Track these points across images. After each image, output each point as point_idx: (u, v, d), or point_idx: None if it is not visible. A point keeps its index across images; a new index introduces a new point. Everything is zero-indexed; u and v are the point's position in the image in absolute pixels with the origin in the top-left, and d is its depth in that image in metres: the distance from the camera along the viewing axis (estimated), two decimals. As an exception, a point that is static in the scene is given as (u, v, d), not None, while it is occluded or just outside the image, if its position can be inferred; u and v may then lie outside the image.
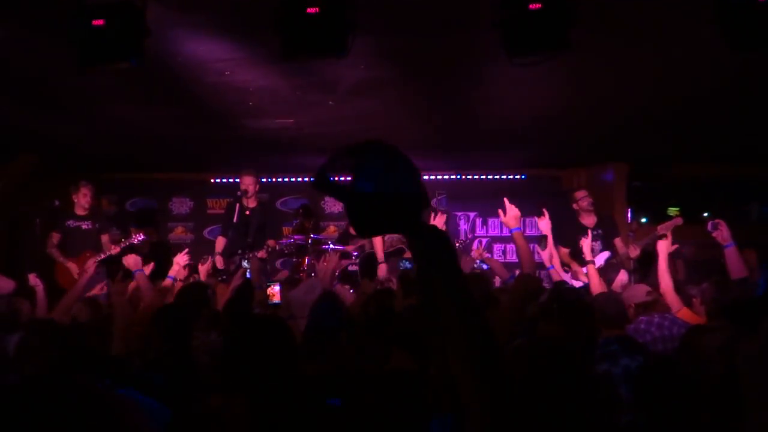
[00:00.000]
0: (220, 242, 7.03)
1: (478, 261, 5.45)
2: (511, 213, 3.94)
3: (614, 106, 5.66)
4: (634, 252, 6.36)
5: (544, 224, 4.87)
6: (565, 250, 6.79)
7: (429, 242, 1.12)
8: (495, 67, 4.27)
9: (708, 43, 3.53)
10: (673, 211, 8.06)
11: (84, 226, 6.82)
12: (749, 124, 6.19)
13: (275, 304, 3.45)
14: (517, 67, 3.34)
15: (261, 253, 6.58)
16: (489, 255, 7.01)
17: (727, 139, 6.92)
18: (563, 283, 5.31)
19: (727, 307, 3.27)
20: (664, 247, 4.78)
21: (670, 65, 4.52)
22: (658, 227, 6.26)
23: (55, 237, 6.82)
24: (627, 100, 5.47)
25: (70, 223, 6.81)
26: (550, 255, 5.84)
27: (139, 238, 6.68)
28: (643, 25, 3.81)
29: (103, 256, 6.47)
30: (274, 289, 3.49)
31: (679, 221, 6.12)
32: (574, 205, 6.80)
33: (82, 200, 6.79)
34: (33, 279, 4.99)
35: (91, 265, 4.94)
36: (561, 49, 3.20)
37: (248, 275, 5.68)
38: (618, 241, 6.61)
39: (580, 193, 6.77)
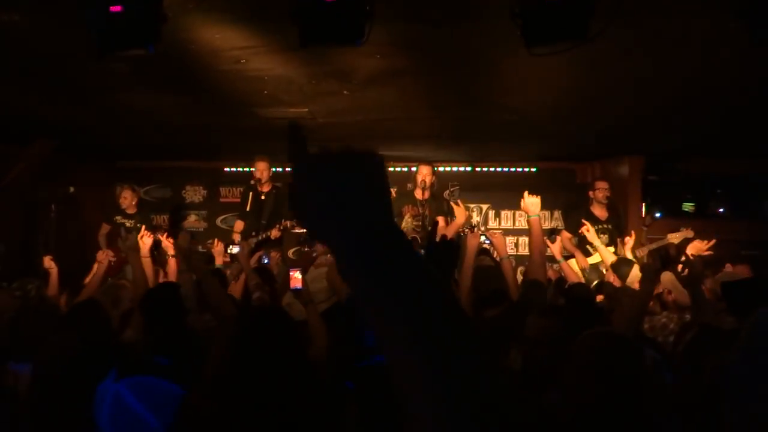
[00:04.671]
0: (239, 224, 7.37)
1: (482, 237, 5.38)
2: (529, 200, 3.98)
3: (631, 98, 5.60)
4: (641, 253, 6.34)
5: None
6: (568, 236, 6.78)
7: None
8: (512, 57, 4.24)
9: (728, 37, 3.48)
10: (688, 206, 8.01)
11: (127, 223, 7.39)
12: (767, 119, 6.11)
13: (297, 289, 3.45)
14: (536, 58, 3.31)
15: (274, 232, 6.74)
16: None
17: (744, 133, 6.84)
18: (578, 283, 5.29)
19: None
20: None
21: (689, 58, 4.46)
22: (669, 235, 6.25)
23: (105, 228, 7.48)
24: (644, 93, 5.42)
25: (117, 218, 7.46)
26: (560, 249, 5.81)
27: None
28: (663, 17, 3.76)
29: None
30: (296, 275, 3.48)
31: (690, 234, 6.09)
32: (590, 193, 6.81)
33: (123, 202, 7.45)
34: (48, 262, 5.06)
35: (103, 258, 5.06)
36: (580, 39, 3.17)
37: (265, 260, 5.76)
38: (620, 241, 6.60)
39: (602, 184, 6.78)
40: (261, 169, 7.08)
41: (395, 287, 0.77)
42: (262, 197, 7.13)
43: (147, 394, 1.67)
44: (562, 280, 5.33)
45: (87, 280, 5.33)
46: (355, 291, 0.80)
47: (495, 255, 5.30)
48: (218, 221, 9.51)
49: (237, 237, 6.97)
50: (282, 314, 2.48)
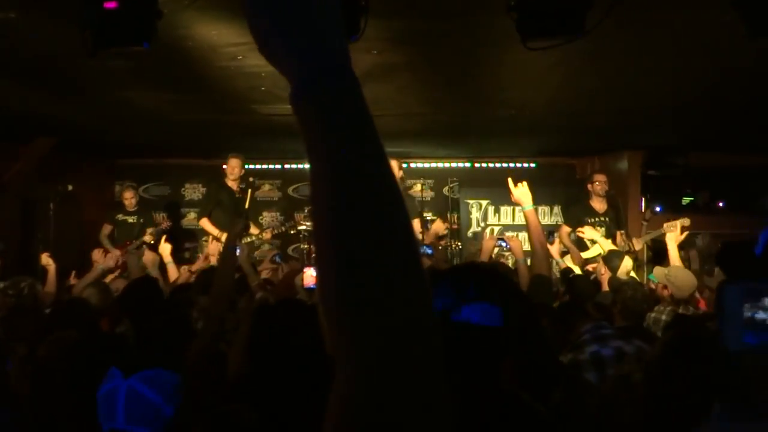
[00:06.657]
0: (207, 222, 7.15)
1: (498, 240, 5.35)
2: (518, 191, 3.83)
3: (630, 93, 5.59)
4: (638, 245, 6.32)
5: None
6: (567, 230, 6.76)
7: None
8: (510, 52, 4.23)
9: (727, 30, 3.46)
10: (687, 201, 7.99)
11: (130, 220, 7.74)
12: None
13: (310, 288, 3.44)
14: (533, 52, 3.30)
15: (267, 235, 6.87)
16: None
17: (744, 128, 6.83)
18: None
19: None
20: (672, 241, 4.76)
21: (687, 52, 4.45)
22: (665, 225, 6.24)
23: (107, 228, 7.72)
24: (643, 88, 5.40)
25: (119, 216, 7.78)
26: (558, 250, 5.81)
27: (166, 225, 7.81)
28: (661, 10, 3.75)
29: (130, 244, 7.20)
30: (310, 272, 3.47)
31: (686, 222, 6.07)
32: (589, 186, 6.80)
33: (126, 201, 7.84)
34: (45, 259, 5.07)
35: (98, 257, 5.11)
36: (577, 33, 3.15)
37: (277, 259, 5.80)
38: (619, 235, 6.58)
39: (600, 177, 6.77)
40: (233, 166, 7.11)
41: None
42: (238, 195, 7.13)
43: (159, 385, 1.76)
44: (567, 270, 5.36)
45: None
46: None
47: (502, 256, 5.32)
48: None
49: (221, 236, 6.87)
50: (302, 307, 2.49)
